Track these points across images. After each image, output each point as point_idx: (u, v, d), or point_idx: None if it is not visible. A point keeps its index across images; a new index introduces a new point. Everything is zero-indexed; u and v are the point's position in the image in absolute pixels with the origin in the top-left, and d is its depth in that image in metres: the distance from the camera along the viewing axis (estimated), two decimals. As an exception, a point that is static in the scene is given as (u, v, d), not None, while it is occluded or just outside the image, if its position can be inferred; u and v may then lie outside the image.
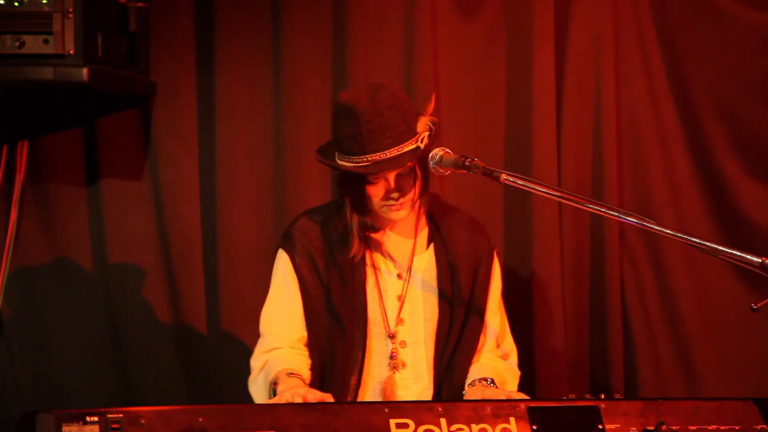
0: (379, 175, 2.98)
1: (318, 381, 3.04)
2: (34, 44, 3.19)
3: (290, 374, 2.93)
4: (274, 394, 2.92)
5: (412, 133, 2.96)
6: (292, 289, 3.09)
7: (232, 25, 3.75)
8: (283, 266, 3.12)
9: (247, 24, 3.77)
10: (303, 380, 2.94)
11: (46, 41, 3.18)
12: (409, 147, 2.95)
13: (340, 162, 2.99)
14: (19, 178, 3.66)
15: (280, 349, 3.07)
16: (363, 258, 3.09)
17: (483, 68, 3.93)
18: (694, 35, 3.98)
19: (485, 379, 3.02)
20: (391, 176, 2.99)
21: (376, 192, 3.01)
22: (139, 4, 3.46)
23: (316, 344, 3.07)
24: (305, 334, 3.08)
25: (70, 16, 3.17)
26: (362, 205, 3.04)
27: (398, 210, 3.02)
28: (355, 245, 3.07)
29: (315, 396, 2.77)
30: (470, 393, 3.00)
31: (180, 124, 3.75)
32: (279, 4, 3.77)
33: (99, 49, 3.26)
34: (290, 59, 3.76)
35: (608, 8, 3.92)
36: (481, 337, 3.14)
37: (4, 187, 3.65)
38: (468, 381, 3.05)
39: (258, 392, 3.06)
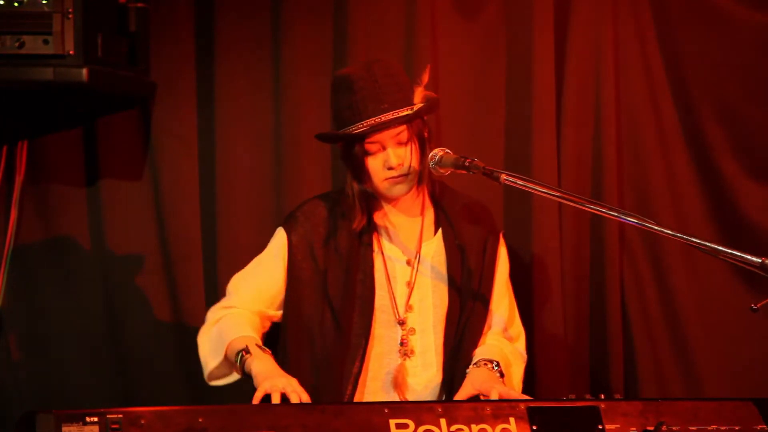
0: (377, 143, 2.99)
1: (309, 369, 3.01)
2: (34, 44, 3.18)
3: (261, 348, 2.91)
4: (241, 360, 2.87)
5: (408, 102, 3.00)
6: (276, 267, 3.10)
7: (232, 26, 3.75)
8: (277, 244, 3.13)
9: (247, 25, 3.77)
10: (272, 357, 2.92)
11: (46, 41, 3.17)
12: (405, 112, 2.98)
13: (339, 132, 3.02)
14: (19, 178, 3.65)
15: (239, 309, 3.06)
16: (370, 244, 3.08)
17: (483, 68, 3.93)
18: (694, 35, 3.98)
19: (490, 361, 2.99)
20: (390, 144, 3.00)
21: (375, 165, 3.02)
22: (139, 5, 3.45)
23: (297, 329, 3.05)
24: (268, 313, 3.08)
25: (70, 16, 3.16)
26: (363, 175, 3.04)
27: (400, 183, 3.03)
28: (358, 215, 3.07)
29: (305, 396, 2.73)
30: (473, 373, 2.98)
31: (180, 124, 3.75)
32: (279, 5, 3.77)
33: (99, 49, 3.25)
34: (290, 60, 3.76)
35: (608, 8, 3.92)
36: (488, 321, 3.12)
37: (4, 187, 3.65)
38: (473, 362, 3.03)
39: (207, 345, 3.05)
